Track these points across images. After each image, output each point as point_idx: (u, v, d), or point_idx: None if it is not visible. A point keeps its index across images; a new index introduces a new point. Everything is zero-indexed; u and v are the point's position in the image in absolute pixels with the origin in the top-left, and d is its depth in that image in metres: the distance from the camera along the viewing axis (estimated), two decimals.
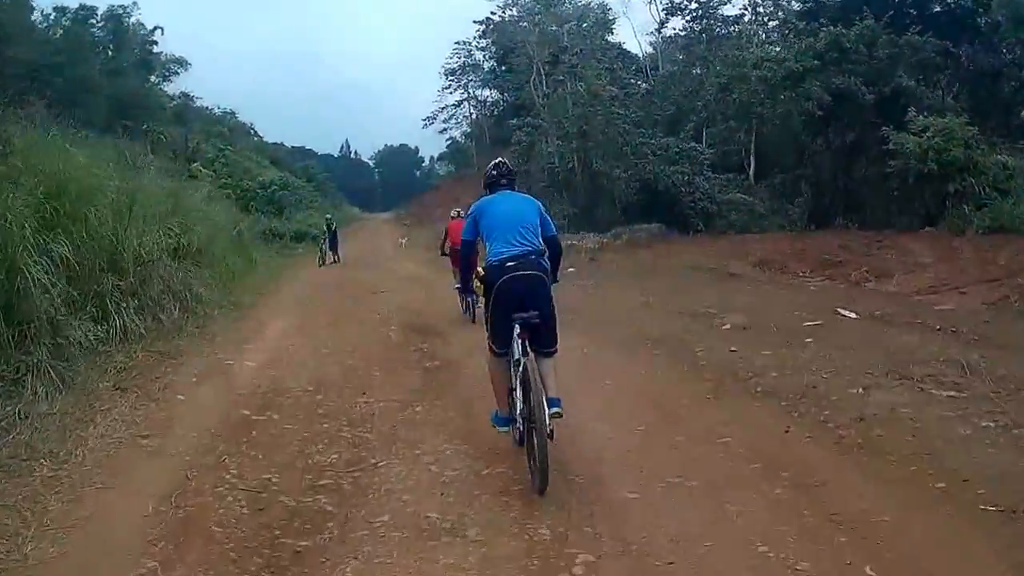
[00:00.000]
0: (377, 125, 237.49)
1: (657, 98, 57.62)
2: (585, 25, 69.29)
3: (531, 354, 7.37)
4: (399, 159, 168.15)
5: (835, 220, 37.53)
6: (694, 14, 60.71)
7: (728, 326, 16.10)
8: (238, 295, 23.29)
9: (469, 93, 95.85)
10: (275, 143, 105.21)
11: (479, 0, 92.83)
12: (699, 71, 58.74)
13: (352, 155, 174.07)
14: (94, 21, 64.01)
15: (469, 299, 16.85)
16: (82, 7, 62.04)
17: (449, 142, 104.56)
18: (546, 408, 6.93)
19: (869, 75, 37.94)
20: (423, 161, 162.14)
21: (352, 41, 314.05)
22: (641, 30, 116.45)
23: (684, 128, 52.27)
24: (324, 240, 38.26)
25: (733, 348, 13.67)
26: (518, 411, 7.40)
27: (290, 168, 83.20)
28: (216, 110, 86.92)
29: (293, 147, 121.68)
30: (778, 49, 42.06)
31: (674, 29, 65.91)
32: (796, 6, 53.72)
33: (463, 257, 8.67)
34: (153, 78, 72.76)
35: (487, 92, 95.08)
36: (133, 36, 68.22)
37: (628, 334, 15.94)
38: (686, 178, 47.19)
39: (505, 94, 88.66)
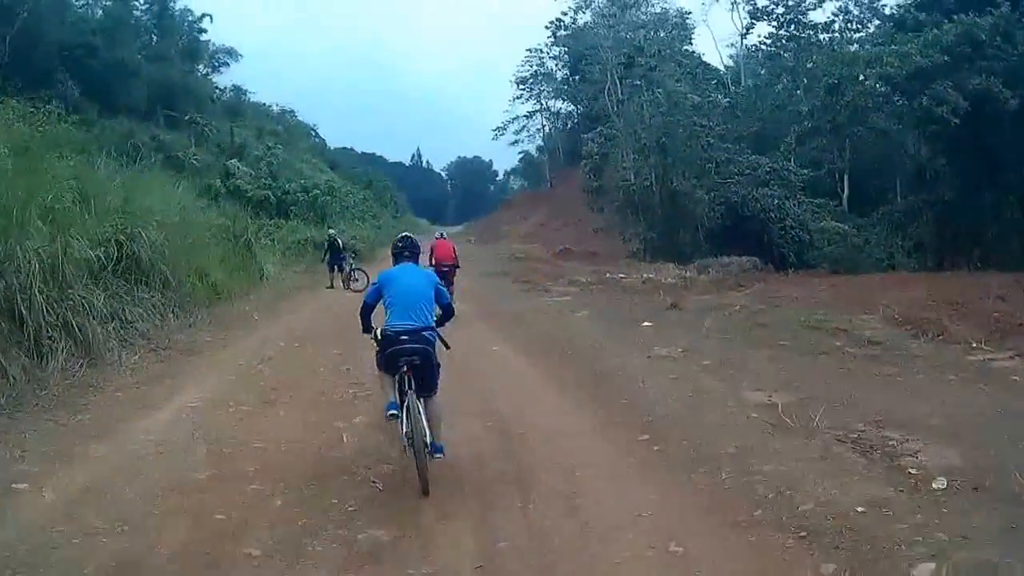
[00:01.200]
0: (451, 135, 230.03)
1: (741, 113, 50.49)
2: (663, 34, 63.71)
3: (413, 393, 8.10)
4: (473, 171, 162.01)
5: (965, 258, 30.39)
6: (781, 19, 53.19)
7: (942, 486, 7.44)
8: (201, 326, 18.28)
9: (542, 104, 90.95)
10: (342, 148, 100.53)
11: (557, 7, 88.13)
12: (786, 83, 52.43)
13: (424, 165, 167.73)
14: (137, 3, 58.86)
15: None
16: None
17: (521, 155, 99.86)
18: (426, 441, 7.98)
19: (1008, 74, 30.65)
20: (497, 175, 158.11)
21: (428, 45, 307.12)
22: (722, 41, 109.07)
23: (772, 146, 45.71)
24: (324, 256, 30.98)
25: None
26: (404, 433, 8.10)
27: (350, 174, 78.16)
28: (274, 108, 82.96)
29: (362, 153, 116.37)
30: (893, 47, 34.29)
31: (759, 37, 59.16)
32: (892, 8, 46.84)
33: (362, 315, 8.96)
34: (201, 68, 67.52)
35: (560, 104, 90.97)
36: (179, 22, 63.03)
37: (761, 511, 7.20)
38: (776, 202, 41.28)
39: (579, 105, 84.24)
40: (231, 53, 69.55)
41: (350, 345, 14.88)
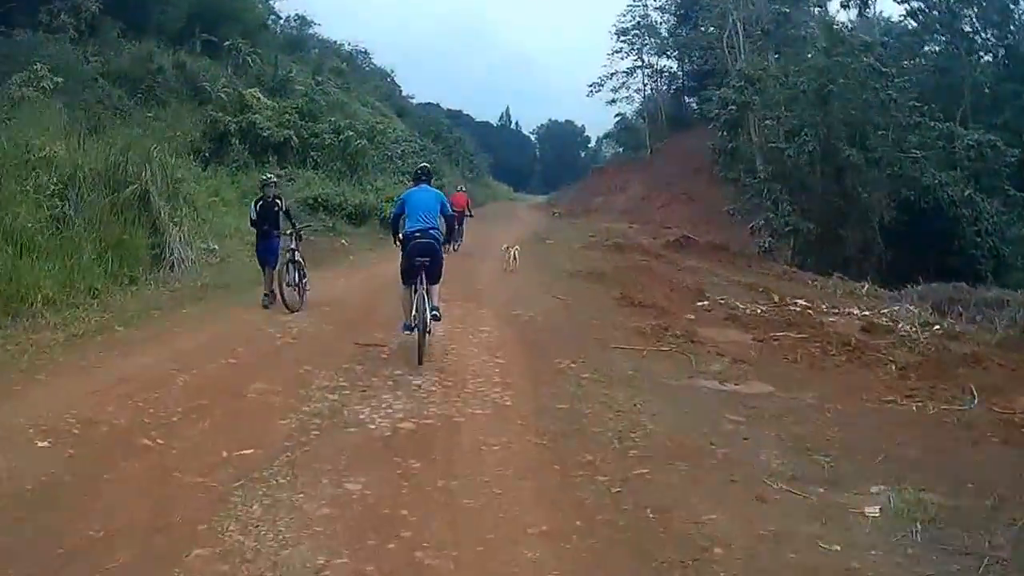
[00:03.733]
0: (543, 97, 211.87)
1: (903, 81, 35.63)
2: None
3: (425, 285, 10.89)
4: (563, 136, 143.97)
5: None
6: None
7: None
8: None
9: (643, 61, 78.02)
10: (426, 102, 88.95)
11: None
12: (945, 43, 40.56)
13: (513, 126, 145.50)
14: None
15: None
16: None
17: (618, 119, 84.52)
18: (428, 311, 10.73)
19: None
20: (589, 141, 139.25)
21: (521, 3, 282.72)
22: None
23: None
24: (259, 229, 14.40)
25: None
26: (413, 317, 10.77)
27: (418, 124, 64.64)
28: (345, 45, 70.09)
29: (448, 110, 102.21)
30: None
31: None
32: None
33: (393, 220, 11.98)
34: None
35: (664, 61, 78.78)
36: None
37: None
38: (965, 193, 30.85)
39: (686, 62, 73.99)
40: None
41: None
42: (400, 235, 11.30)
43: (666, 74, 79.95)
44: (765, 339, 13.48)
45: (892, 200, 31.32)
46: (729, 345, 12.84)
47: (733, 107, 35.43)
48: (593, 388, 9.63)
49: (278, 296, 13.79)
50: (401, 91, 79.66)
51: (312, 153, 34.44)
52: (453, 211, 22.57)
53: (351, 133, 36.16)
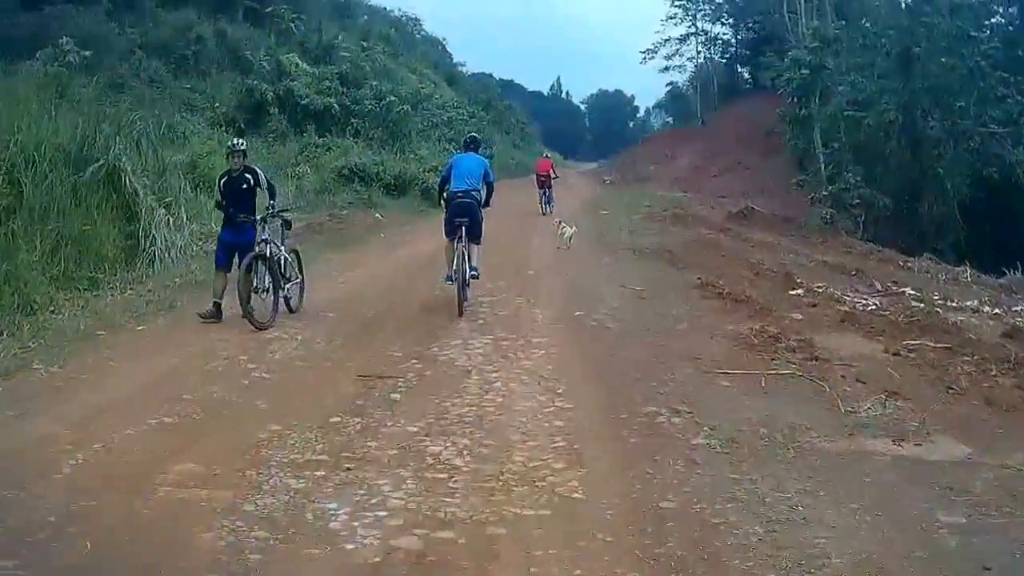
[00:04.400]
0: (594, 67, 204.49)
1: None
2: None
3: (465, 241, 11.13)
4: (613, 106, 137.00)
5: None
6: None
7: None
8: None
9: (697, 28, 73.32)
10: (479, 72, 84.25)
11: None
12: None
13: (563, 96, 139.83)
14: None
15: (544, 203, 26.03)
16: None
17: (669, 87, 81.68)
18: (467, 271, 11.08)
19: None
20: (638, 111, 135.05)
21: None
22: None
23: None
24: (225, 210, 10.31)
25: None
26: (454, 270, 10.97)
27: (468, 91, 60.63)
28: (395, 12, 67.23)
29: (500, 79, 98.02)
30: None
31: None
32: None
33: (440, 182, 12.12)
34: None
35: (718, 28, 74.20)
36: None
37: None
38: None
39: (740, 30, 70.52)
40: None
41: None
42: (444, 195, 11.66)
43: (720, 42, 75.36)
44: (900, 350, 9.73)
45: (970, 177, 27.76)
46: (861, 362, 9.09)
47: (805, 71, 31.10)
48: (714, 465, 5.82)
49: (243, 309, 9.59)
50: (452, 59, 75.86)
51: (353, 120, 31.16)
52: (539, 176, 26.79)
53: (393, 98, 32.82)
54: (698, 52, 74.96)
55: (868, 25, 30.07)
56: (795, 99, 32.97)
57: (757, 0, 59.78)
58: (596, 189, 42.41)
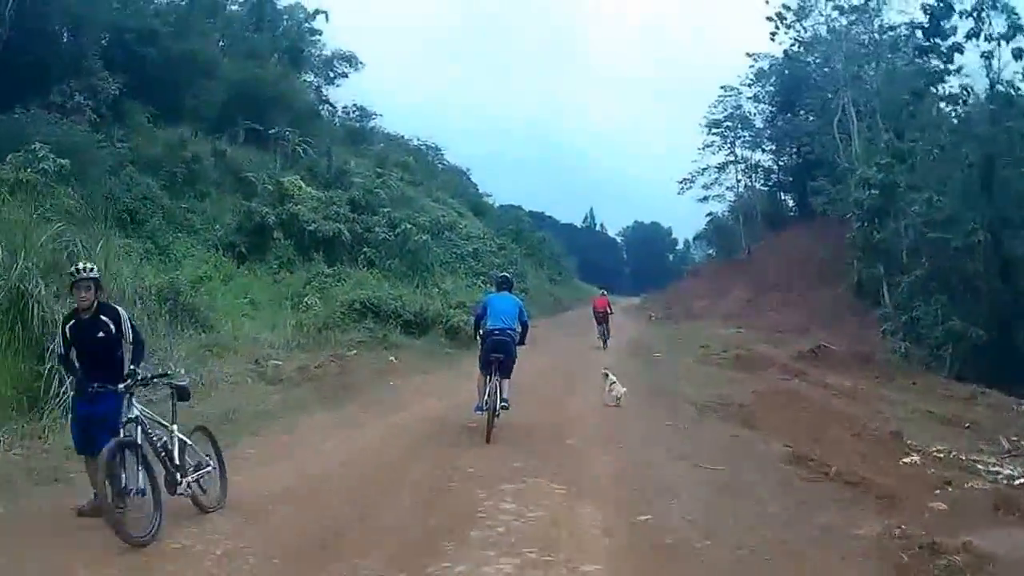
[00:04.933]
0: (628, 201, 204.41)
1: None
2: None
3: (499, 377, 11.70)
4: (650, 238, 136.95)
5: None
6: None
7: None
8: None
9: (736, 155, 70.11)
10: (508, 204, 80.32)
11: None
12: None
13: (598, 228, 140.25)
14: None
15: (602, 338, 27.73)
16: None
17: (709, 218, 76.95)
18: (498, 403, 11.53)
19: None
20: (676, 243, 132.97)
21: (602, 104, 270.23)
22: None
23: None
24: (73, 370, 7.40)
25: None
26: (486, 400, 11.56)
27: (497, 223, 56.87)
28: (413, 141, 64.30)
29: (531, 211, 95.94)
30: None
31: None
32: None
33: (476, 319, 12.74)
34: (311, 80, 52.82)
35: (759, 155, 71.01)
36: (285, 19, 48.82)
37: None
38: None
39: (783, 156, 67.37)
40: (350, 61, 54.81)
41: None
42: (481, 331, 12.28)
43: (761, 169, 72.39)
44: None
45: None
46: None
47: (874, 191, 28.18)
48: None
49: (106, 515, 6.39)
50: (477, 189, 71.93)
51: (365, 249, 29.01)
52: (596, 312, 28.43)
53: (410, 226, 30.70)
54: (738, 180, 71.83)
55: (945, 136, 27.15)
56: (864, 223, 30.08)
57: (802, 124, 56.93)
58: (642, 326, 40.10)
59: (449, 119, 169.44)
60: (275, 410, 12.49)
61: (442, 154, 68.63)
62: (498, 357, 11.72)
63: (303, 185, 30.79)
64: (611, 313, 29.15)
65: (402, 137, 62.09)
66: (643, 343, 28.97)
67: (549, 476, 9.10)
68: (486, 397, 11.54)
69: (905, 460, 11.04)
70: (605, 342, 27.52)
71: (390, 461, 9.79)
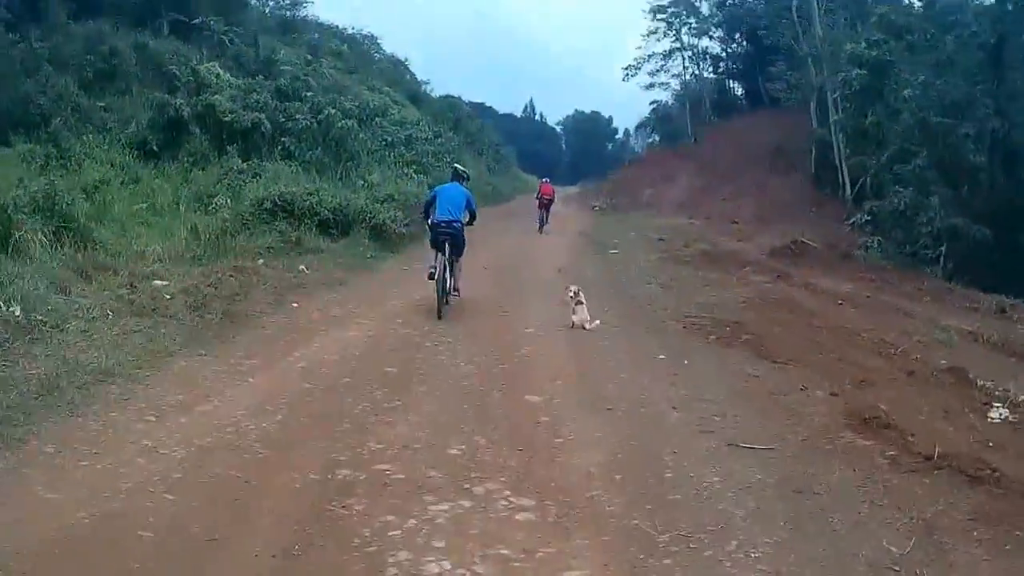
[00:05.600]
0: (569, 90, 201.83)
1: None
2: None
3: (448, 253, 12.20)
4: (590, 128, 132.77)
5: None
6: None
7: None
8: None
9: (683, 42, 66.06)
10: (446, 95, 76.54)
11: None
12: None
13: (537, 118, 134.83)
14: None
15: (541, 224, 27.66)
16: None
17: (654, 105, 74.13)
18: (448, 288, 12.21)
19: None
20: (616, 132, 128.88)
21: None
22: None
23: None
24: None
25: None
26: (436, 279, 12.02)
27: (435, 112, 53.88)
28: (348, 30, 60.17)
29: (470, 102, 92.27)
30: None
31: None
32: None
33: (424, 207, 13.08)
34: None
35: (706, 42, 67.02)
36: None
37: None
38: None
39: (732, 46, 64.92)
40: None
41: None
42: (429, 220, 12.67)
43: (710, 57, 68.82)
44: None
45: None
46: None
47: (863, 72, 24.95)
48: None
49: None
50: (416, 79, 68.82)
51: (283, 139, 25.28)
52: (543, 198, 28.74)
53: (333, 111, 26.92)
54: (685, 68, 68.23)
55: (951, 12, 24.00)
56: (851, 105, 26.79)
57: (753, 7, 54.39)
58: (588, 217, 36.98)
59: (388, 7, 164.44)
60: (124, 362, 8.11)
61: (379, 43, 65.05)
62: (448, 239, 12.28)
63: (221, 72, 27.10)
64: (553, 201, 29.76)
65: (336, 26, 58.50)
66: (594, 237, 25.78)
67: (508, 479, 5.70)
68: (434, 263, 12.17)
69: (991, 416, 7.99)
70: (542, 227, 28.03)
71: (259, 460, 6.05)
